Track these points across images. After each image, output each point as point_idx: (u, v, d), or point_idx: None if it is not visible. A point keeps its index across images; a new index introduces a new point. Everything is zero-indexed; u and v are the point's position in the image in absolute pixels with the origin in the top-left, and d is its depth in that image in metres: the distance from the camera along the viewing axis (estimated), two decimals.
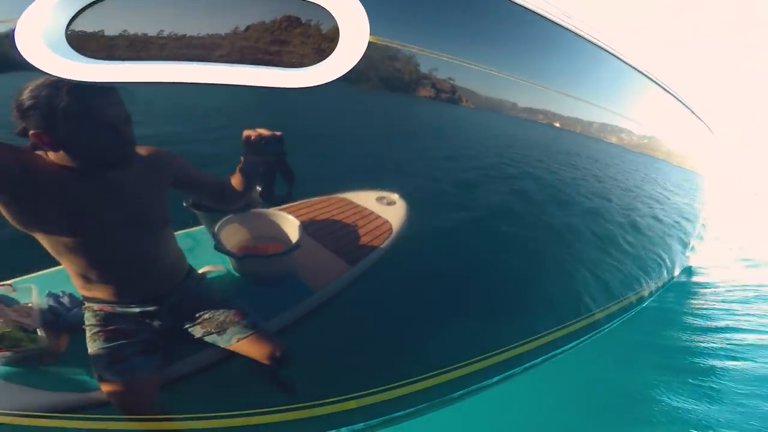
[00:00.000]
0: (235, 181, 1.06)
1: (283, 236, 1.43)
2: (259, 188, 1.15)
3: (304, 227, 1.59)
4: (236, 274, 1.29)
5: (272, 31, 0.93)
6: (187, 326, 1.06)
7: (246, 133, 0.98)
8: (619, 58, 1.97)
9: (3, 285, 1.20)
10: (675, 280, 3.61)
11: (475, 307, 1.67)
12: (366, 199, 1.84)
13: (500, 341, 1.73)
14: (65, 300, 1.14)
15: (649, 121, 2.49)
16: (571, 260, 1.99)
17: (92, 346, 0.98)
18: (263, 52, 0.93)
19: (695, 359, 2.63)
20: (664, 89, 2.45)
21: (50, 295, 1.15)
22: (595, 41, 1.73)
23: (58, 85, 0.77)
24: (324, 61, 0.91)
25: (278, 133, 1.00)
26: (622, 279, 2.44)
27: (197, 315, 1.06)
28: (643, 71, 2.16)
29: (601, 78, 1.97)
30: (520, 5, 1.41)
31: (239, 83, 0.89)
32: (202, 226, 1.44)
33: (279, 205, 1.16)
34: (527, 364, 1.91)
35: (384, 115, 1.39)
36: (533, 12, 1.45)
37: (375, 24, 1.02)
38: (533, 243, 1.79)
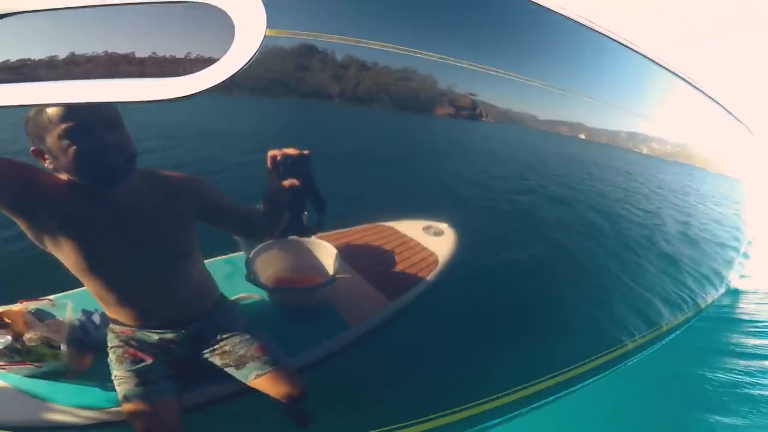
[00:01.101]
0: (264, 209, 0.99)
1: (319, 267, 1.34)
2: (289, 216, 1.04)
3: (343, 257, 1.52)
4: (270, 304, 1.23)
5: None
6: (206, 356, 1.00)
7: (271, 153, 0.90)
8: (642, 55, 1.76)
9: (44, 299, 1.22)
10: (717, 302, 3.15)
11: (515, 342, 1.54)
12: (412, 228, 1.75)
13: (542, 371, 1.62)
14: (96, 318, 1.12)
15: (680, 123, 2.22)
16: (609, 287, 1.84)
17: (117, 368, 0.94)
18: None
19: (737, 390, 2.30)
20: (695, 87, 2.17)
21: (83, 312, 1.14)
22: (605, 32, 1.55)
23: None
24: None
25: (306, 152, 0.90)
26: (654, 307, 2.16)
27: (217, 346, 1.00)
28: (669, 68, 1.92)
29: (623, 77, 1.78)
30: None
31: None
32: (242, 252, 1.42)
33: (311, 234, 1.06)
34: (566, 391, 1.79)
35: (435, 136, 1.30)
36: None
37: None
38: (577, 271, 1.67)
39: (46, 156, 0.75)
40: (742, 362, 2.59)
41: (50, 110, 0.71)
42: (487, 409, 1.47)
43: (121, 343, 0.95)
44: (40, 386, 1.00)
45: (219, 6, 0.50)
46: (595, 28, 1.48)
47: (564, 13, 1.36)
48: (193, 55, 0.69)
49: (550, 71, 1.39)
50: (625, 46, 1.65)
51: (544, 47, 1.41)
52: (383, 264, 1.45)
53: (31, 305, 1.17)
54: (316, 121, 1.06)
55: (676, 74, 2.00)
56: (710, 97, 2.33)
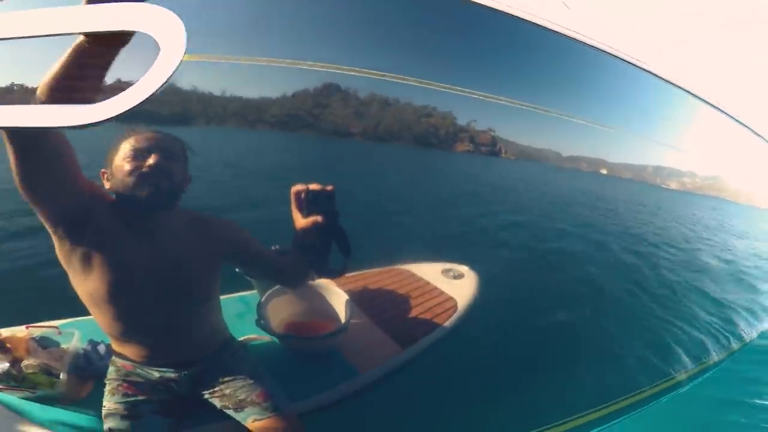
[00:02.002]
0: (292, 254, 0.96)
1: (331, 314, 1.28)
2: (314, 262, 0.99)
3: (356, 302, 1.46)
4: (278, 347, 1.18)
5: None
6: (205, 396, 0.95)
7: (294, 189, 0.85)
8: (660, 77, 1.67)
9: (51, 326, 1.21)
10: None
11: (535, 394, 1.44)
12: (430, 271, 1.68)
13: (567, 413, 1.50)
14: (101, 348, 1.10)
15: (708, 151, 2.09)
16: (632, 330, 1.74)
17: (108, 399, 0.90)
18: None
19: None
20: (719, 109, 2.04)
21: (90, 342, 1.12)
22: (624, 57, 1.48)
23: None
24: None
25: (329, 187, 0.85)
26: (697, 344, 2.05)
27: (217, 389, 0.95)
28: (690, 90, 1.82)
29: (644, 103, 1.69)
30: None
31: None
32: (256, 291, 1.38)
33: (337, 277, 1.01)
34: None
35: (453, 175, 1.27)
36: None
37: None
38: (609, 317, 1.60)
39: (107, 176, 0.80)
40: None
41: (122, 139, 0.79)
42: None
43: (119, 377, 0.92)
44: (34, 408, 0.97)
45: (145, 30, 0.50)
46: (613, 52, 1.44)
47: (578, 38, 1.33)
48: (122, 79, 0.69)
49: (569, 101, 1.35)
50: (644, 69, 1.59)
51: (560, 75, 1.38)
52: (398, 310, 1.38)
53: (37, 332, 1.15)
54: (317, 158, 1.04)
55: (699, 97, 1.93)
56: (737, 120, 2.22)
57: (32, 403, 0.98)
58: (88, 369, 1.06)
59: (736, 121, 2.21)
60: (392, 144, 1.06)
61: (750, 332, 2.65)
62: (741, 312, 2.47)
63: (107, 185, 0.80)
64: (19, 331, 1.14)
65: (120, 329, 0.87)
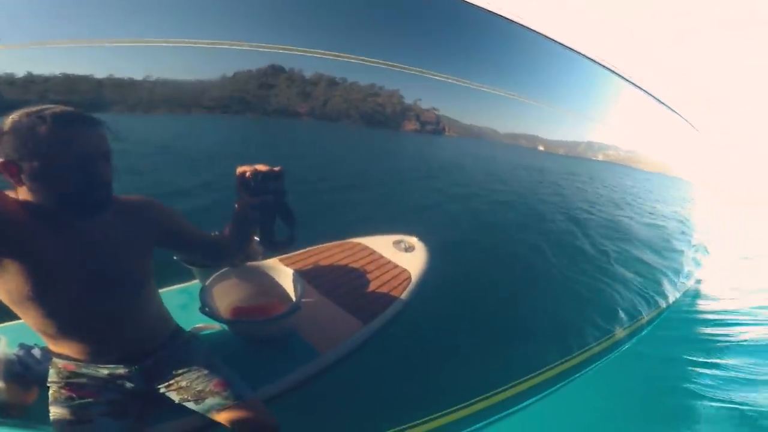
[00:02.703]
0: (231, 230, 0.91)
1: (282, 294, 1.27)
2: (257, 237, 0.97)
3: (309, 280, 1.45)
4: (232, 334, 1.15)
5: None
6: (161, 391, 0.91)
7: (240, 170, 0.83)
8: (587, 58, 1.80)
9: None
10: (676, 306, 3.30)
11: (492, 353, 1.51)
12: (381, 244, 1.70)
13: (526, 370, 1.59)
14: (36, 353, 1.02)
15: (632, 126, 2.31)
16: (575, 291, 1.88)
17: (53, 406, 0.84)
18: None
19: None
20: (639, 88, 2.26)
21: (22, 346, 1.04)
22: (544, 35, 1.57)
23: (38, 113, 0.67)
24: None
25: (277, 168, 0.84)
26: (613, 310, 2.20)
27: (173, 381, 0.91)
28: (614, 70, 1.99)
29: (570, 80, 1.82)
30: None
31: None
32: (197, 281, 1.32)
33: (281, 253, 0.99)
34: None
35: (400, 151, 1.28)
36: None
37: None
38: (542, 274, 1.70)
39: (17, 170, 0.67)
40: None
41: (45, 122, 0.66)
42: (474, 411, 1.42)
43: (60, 380, 0.85)
44: None
45: None
46: (541, 32, 1.49)
47: (523, 24, 1.36)
48: None
49: (504, 79, 1.39)
50: (571, 49, 1.67)
51: (502, 57, 1.41)
52: (354, 284, 1.39)
53: None
54: (272, 136, 1.01)
55: (622, 76, 2.06)
56: (657, 99, 2.42)
57: None
58: (28, 375, 0.98)
59: (655, 99, 2.40)
60: (341, 123, 1.04)
61: (674, 292, 2.91)
62: (667, 273, 2.71)
63: (14, 181, 0.69)
64: None
65: (52, 327, 0.79)
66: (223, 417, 0.88)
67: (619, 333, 2.09)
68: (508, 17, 1.27)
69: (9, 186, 0.70)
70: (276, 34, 0.85)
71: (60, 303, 0.75)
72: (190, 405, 0.90)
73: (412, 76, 1.05)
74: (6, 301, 0.73)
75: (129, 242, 0.81)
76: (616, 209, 2.00)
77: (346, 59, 0.93)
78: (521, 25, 1.32)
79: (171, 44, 0.77)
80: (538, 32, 1.40)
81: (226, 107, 0.85)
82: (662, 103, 2.45)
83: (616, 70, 1.91)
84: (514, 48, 1.42)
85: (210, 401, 0.89)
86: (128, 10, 0.79)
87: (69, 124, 0.68)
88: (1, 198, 0.70)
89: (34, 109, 0.68)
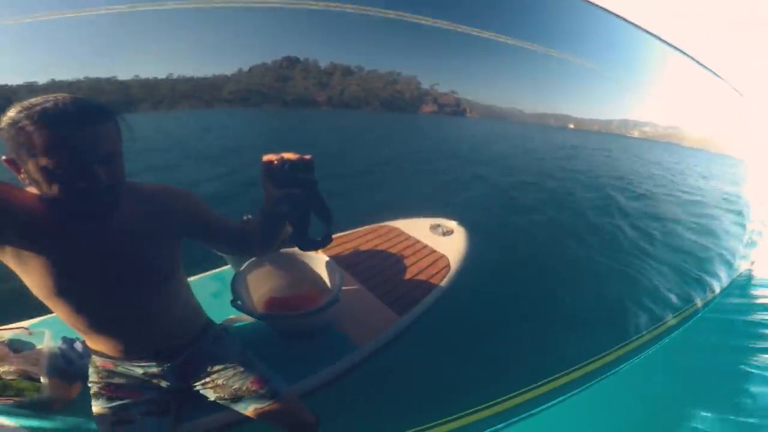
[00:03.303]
0: (259, 226, 0.83)
1: (318, 283, 1.22)
2: (289, 230, 0.90)
3: (346, 267, 1.38)
4: (265, 326, 1.11)
5: None
6: (198, 388, 0.89)
7: (266, 158, 0.73)
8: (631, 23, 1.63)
9: (19, 327, 1.12)
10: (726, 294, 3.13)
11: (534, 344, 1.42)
12: (418, 227, 1.62)
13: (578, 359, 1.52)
14: (78, 346, 1.03)
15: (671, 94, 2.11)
16: (613, 279, 1.77)
17: (95, 404, 0.84)
18: None
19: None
20: (682, 53, 2.02)
21: (64, 340, 1.05)
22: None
23: (42, 108, 0.62)
24: None
25: (307, 157, 0.73)
26: (664, 297, 2.07)
27: (209, 379, 0.89)
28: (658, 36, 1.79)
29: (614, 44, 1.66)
30: None
31: None
32: (230, 266, 1.27)
33: (321, 248, 0.91)
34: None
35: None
36: None
37: None
38: (583, 263, 1.62)
39: (21, 167, 0.63)
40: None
41: (34, 119, 0.59)
42: (511, 406, 1.35)
43: (99, 380, 0.85)
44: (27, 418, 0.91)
45: None
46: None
47: None
48: None
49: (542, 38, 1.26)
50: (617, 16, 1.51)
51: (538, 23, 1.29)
52: (390, 272, 1.33)
53: (6, 334, 1.07)
54: (302, 125, 0.95)
55: (667, 42, 1.87)
56: (702, 65, 2.18)
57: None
58: (71, 369, 0.99)
59: (702, 66, 2.16)
60: (362, 110, 0.97)
61: (727, 276, 2.70)
62: (721, 255, 2.53)
63: (23, 178, 0.65)
64: None
65: (81, 322, 0.77)
66: (261, 415, 0.86)
67: (671, 320, 1.98)
68: None
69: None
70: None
71: (85, 297, 0.73)
72: (227, 403, 0.88)
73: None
74: (38, 297, 0.72)
75: (154, 233, 0.77)
76: (660, 188, 1.86)
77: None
78: None
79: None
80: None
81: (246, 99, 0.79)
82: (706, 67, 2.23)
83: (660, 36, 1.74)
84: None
85: (247, 399, 0.86)
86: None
87: (74, 116, 0.62)
88: (16, 193, 0.67)
89: (42, 101, 0.63)
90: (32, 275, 0.68)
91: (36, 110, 0.59)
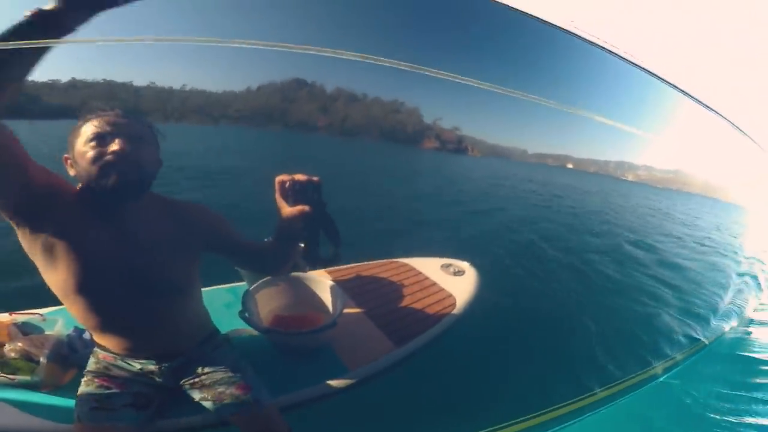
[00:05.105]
0: (273, 242, 0.91)
1: (320, 306, 1.26)
2: (302, 251, 0.98)
3: (351, 295, 1.40)
4: (265, 340, 1.14)
5: None
6: (186, 387, 0.91)
7: (279, 179, 0.84)
8: (642, 68, 1.60)
9: (35, 313, 1.18)
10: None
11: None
12: (429, 266, 1.63)
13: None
14: (87, 336, 1.07)
15: (688, 146, 2.03)
16: (613, 323, 1.76)
17: (84, 389, 0.86)
18: None
19: None
20: (701, 104, 1.96)
21: (75, 330, 1.10)
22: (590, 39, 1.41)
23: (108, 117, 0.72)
24: None
25: (315, 178, 0.84)
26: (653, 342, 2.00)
27: (197, 380, 0.91)
28: (672, 83, 1.75)
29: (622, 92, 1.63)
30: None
31: None
32: (245, 282, 1.33)
33: (325, 267, 0.97)
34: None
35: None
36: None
37: None
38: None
39: (71, 162, 0.74)
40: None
41: (83, 121, 0.72)
42: None
43: (96, 369, 0.88)
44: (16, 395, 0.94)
45: None
46: (581, 34, 1.37)
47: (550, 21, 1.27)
48: None
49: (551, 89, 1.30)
50: (621, 57, 1.53)
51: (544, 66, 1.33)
52: (394, 304, 1.33)
53: (21, 318, 1.13)
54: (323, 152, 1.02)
55: (678, 88, 1.85)
56: (717, 113, 2.14)
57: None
58: (71, 357, 1.03)
59: (716, 113, 2.13)
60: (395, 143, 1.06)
61: (718, 328, 2.62)
62: (713, 308, 2.44)
63: (71, 172, 0.74)
64: (3, 317, 1.12)
65: (94, 321, 0.82)
66: (237, 419, 0.86)
67: (657, 367, 1.93)
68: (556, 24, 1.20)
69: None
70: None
71: (101, 299, 0.78)
72: (208, 404, 0.89)
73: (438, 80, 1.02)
74: (55, 291, 0.77)
75: (175, 244, 0.83)
76: (664, 238, 1.84)
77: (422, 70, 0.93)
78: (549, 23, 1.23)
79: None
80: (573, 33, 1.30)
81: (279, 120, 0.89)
82: (723, 117, 2.18)
83: (664, 77, 1.74)
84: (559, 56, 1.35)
85: (228, 403, 0.87)
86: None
87: (135, 127, 0.74)
88: (67, 187, 0.75)
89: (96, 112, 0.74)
90: (59, 273, 0.73)
91: (103, 118, 0.72)
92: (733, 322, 2.91)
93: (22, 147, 0.67)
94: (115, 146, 0.70)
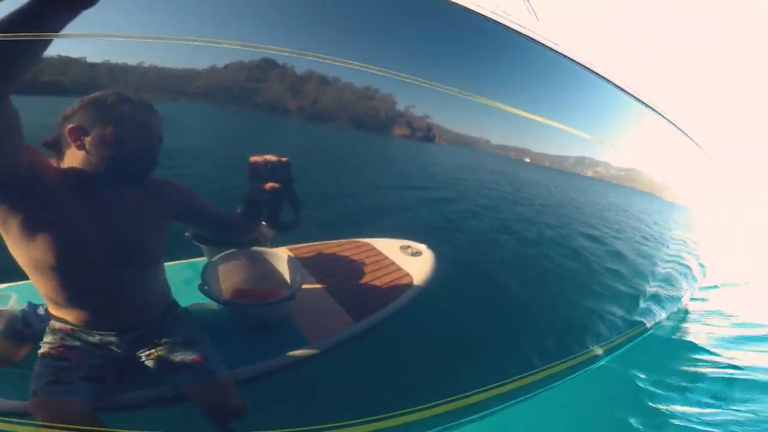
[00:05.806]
0: (241, 212, 1.01)
1: (282, 280, 1.27)
2: (265, 217, 1.06)
3: (312, 271, 1.45)
4: (226, 314, 1.16)
5: None
6: (142, 359, 0.93)
7: (253, 159, 0.93)
8: (597, 74, 1.71)
9: None
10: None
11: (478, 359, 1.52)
12: (389, 246, 1.69)
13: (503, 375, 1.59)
14: (41, 311, 1.06)
15: (633, 146, 2.18)
16: (556, 306, 1.84)
17: (38, 363, 0.87)
18: None
19: None
20: (650, 108, 2.12)
21: (30, 305, 1.08)
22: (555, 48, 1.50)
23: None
24: None
25: (285, 159, 0.94)
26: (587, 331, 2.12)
27: (154, 350, 0.93)
28: (623, 87, 1.88)
29: (574, 96, 1.73)
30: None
31: None
32: (205, 258, 1.35)
33: (285, 230, 1.08)
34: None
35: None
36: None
37: None
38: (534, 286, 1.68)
39: (84, 136, 0.75)
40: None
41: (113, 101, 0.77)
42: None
43: (53, 341, 0.89)
44: None
45: None
46: (542, 41, 1.44)
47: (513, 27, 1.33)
48: None
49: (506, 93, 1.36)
50: (575, 61, 1.60)
51: (501, 69, 1.39)
52: (353, 281, 1.39)
53: None
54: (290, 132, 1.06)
55: (632, 95, 1.97)
56: (665, 117, 2.29)
57: None
58: (26, 332, 1.02)
59: (664, 117, 2.27)
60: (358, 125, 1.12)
61: (660, 314, 2.85)
62: (656, 292, 2.64)
63: (75, 146, 0.75)
64: None
65: (64, 296, 0.84)
66: (191, 390, 0.90)
67: (597, 350, 2.07)
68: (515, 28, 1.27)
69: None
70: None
71: (78, 274, 0.80)
72: (165, 375, 0.92)
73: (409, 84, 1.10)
74: (25, 267, 0.78)
75: (149, 218, 0.87)
76: (607, 226, 1.96)
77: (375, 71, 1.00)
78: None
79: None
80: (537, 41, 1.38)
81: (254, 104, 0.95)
82: (671, 122, 2.33)
83: (616, 83, 1.84)
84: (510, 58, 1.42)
85: (183, 373, 0.90)
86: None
87: (144, 106, 0.80)
88: (48, 166, 0.76)
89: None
90: (31, 246, 0.75)
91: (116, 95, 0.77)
92: (672, 308, 3.16)
93: (19, 122, 0.68)
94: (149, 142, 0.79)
